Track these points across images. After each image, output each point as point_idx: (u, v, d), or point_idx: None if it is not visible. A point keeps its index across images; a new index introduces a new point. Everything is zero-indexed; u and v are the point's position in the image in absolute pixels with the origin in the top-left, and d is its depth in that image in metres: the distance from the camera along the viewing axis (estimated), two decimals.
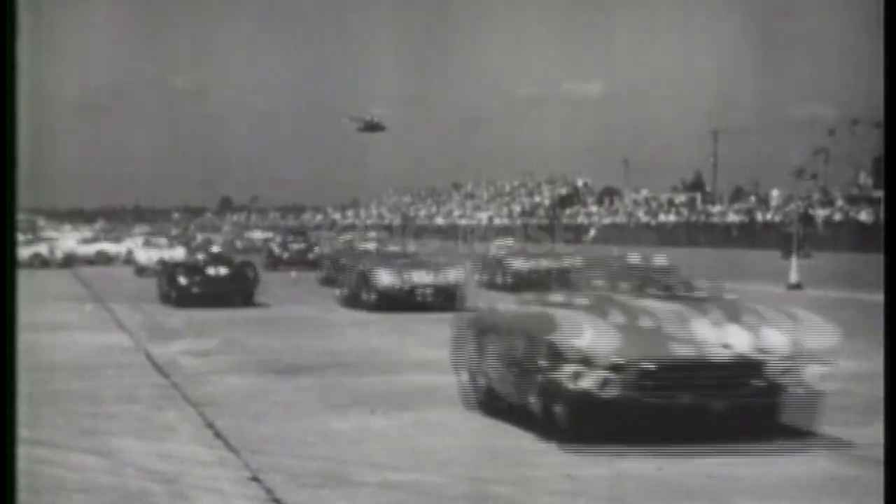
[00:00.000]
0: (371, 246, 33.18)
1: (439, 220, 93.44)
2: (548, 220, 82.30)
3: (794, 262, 30.61)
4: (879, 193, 55.78)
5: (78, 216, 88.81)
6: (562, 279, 29.06)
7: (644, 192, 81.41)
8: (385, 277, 25.38)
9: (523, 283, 28.87)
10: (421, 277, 25.45)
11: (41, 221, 64.68)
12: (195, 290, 26.63)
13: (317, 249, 43.87)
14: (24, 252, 44.31)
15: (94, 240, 54.86)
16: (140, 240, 49.99)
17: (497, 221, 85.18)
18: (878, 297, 8.36)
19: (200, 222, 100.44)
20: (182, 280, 26.83)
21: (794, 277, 29.60)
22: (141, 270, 41.42)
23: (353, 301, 26.37)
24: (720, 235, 61.80)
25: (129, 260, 48.48)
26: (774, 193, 65.20)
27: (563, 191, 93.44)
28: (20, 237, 49.56)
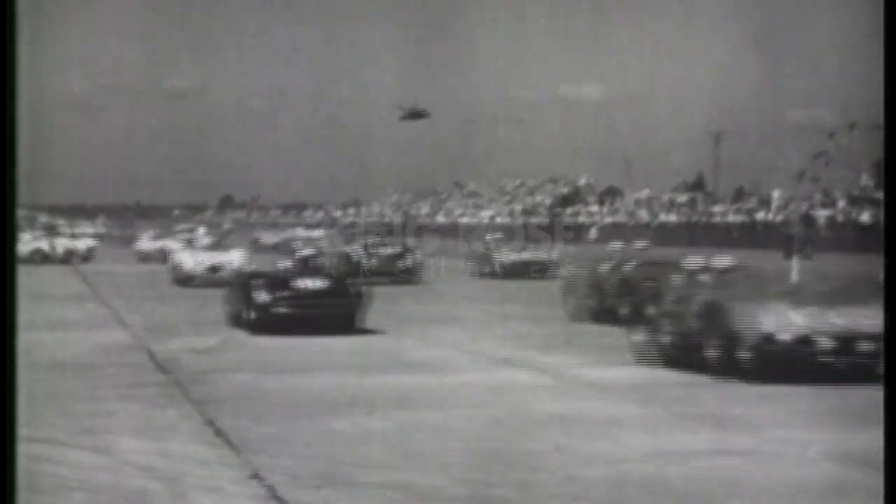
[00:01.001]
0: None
1: (440, 219, 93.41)
2: (549, 220, 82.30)
3: (795, 263, 30.58)
4: (881, 195, 55.78)
5: (79, 213, 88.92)
6: None
7: (646, 192, 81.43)
8: (771, 320, 13.89)
9: None
10: (829, 321, 13.85)
11: (43, 217, 64.68)
12: (280, 309, 19.75)
13: (415, 255, 35.99)
14: (26, 248, 44.27)
15: (159, 237, 51.27)
16: (181, 238, 43.73)
17: (498, 220, 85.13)
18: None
19: (201, 219, 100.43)
20: (262, 296, 19.82)
21: (795, 279, 29.55)
22: (185, 279, 32.73)
23: (673, 355, 15.17)
24: (721, 235, 61.79)
25: (145, 257, 47.22)
26: (776, 194, 65.20)
27: (565, 190, 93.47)
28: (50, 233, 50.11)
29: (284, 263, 21.14)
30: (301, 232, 62.31)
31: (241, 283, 20.79)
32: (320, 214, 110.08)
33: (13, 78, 6.08)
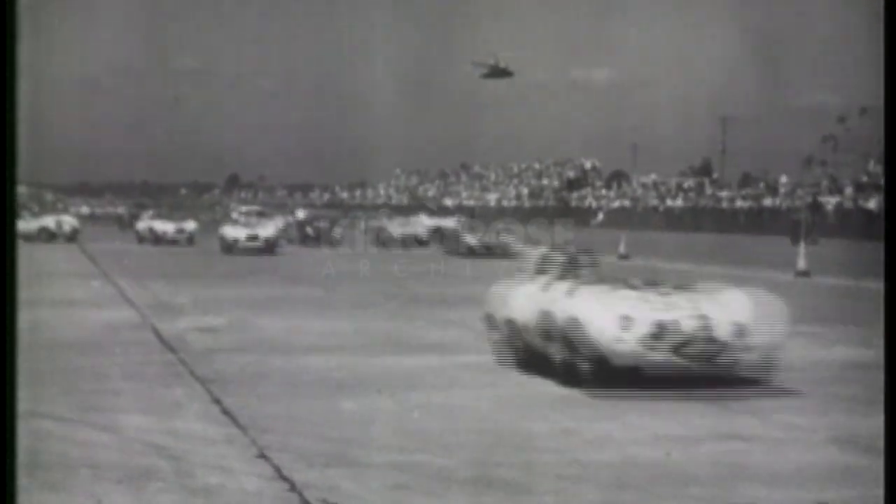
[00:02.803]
0: None
1: (447, 202, 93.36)
2: (555, 203, 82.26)
3: (802, 248, 30.55)
4: None
5: (85, 191, 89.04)
6: None
7: (653, 177, 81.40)
8: None
9: None
10: None
11: (48, 195, 64.67)
12: None
13: None
14: (31, 226, 44.29)
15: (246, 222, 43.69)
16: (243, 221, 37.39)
17: (505, 203, 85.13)
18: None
19: (209, 199, 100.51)
20: None
21: (801, 264, 29.56)
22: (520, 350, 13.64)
23: None
24: (728, 221, 61.73)
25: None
26: (783, 180, 65.15)
27: (572, 173, 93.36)
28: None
29: None
30: (426, 220, 44.19)
31: None
32: (327, 195, 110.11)
33: (13, 60, 6.06)
